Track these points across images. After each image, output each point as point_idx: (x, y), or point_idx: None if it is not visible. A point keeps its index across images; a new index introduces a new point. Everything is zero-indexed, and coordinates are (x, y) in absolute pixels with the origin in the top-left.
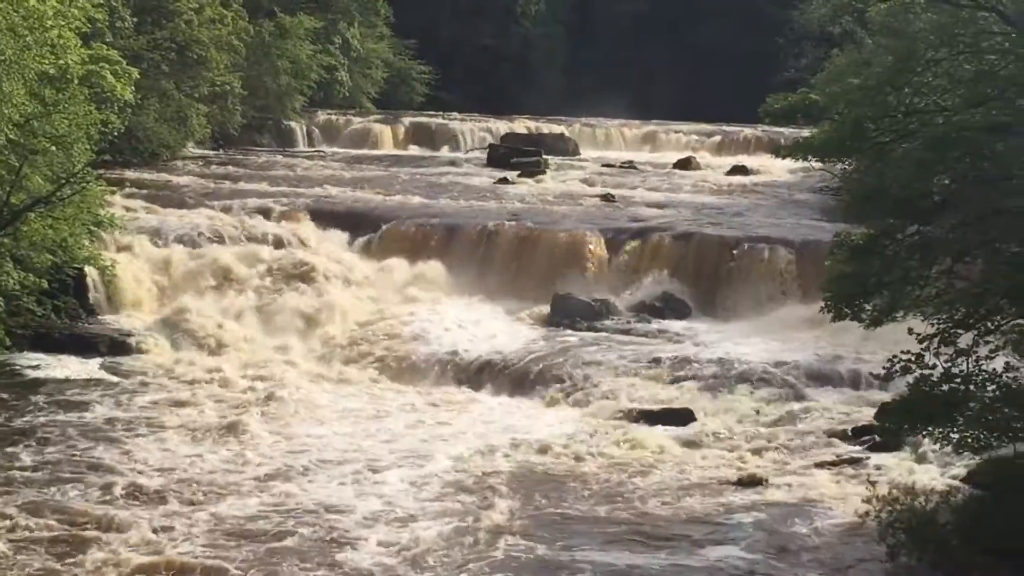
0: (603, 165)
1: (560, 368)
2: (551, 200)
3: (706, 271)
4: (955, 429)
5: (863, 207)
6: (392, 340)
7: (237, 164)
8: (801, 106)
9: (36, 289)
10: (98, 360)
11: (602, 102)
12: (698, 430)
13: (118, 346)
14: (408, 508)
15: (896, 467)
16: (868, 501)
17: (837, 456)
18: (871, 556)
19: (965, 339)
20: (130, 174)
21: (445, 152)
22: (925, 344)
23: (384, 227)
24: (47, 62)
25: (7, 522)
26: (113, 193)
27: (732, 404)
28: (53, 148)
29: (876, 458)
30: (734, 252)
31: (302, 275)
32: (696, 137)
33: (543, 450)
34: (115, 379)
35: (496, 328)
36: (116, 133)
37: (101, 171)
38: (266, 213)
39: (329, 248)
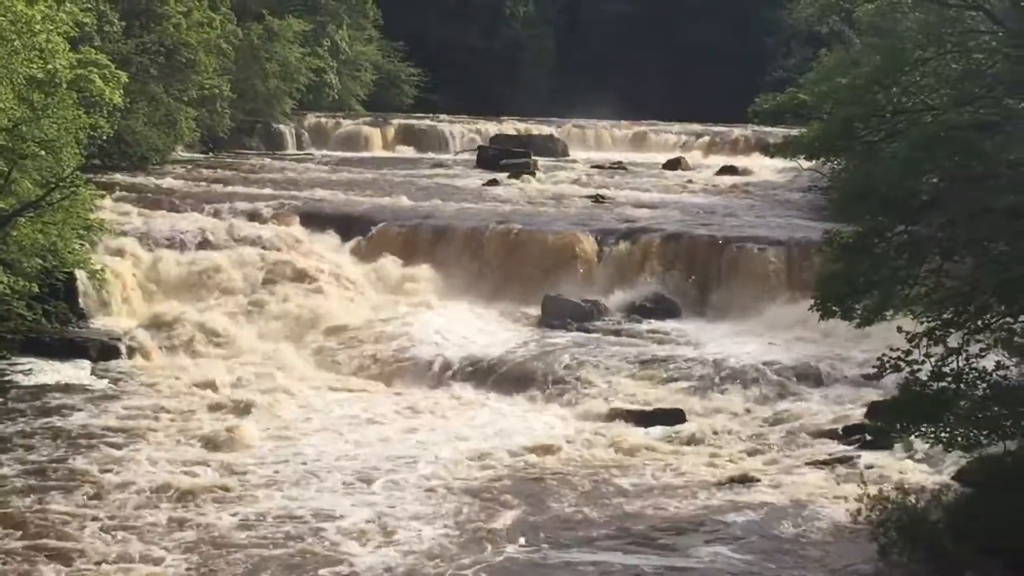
0: (592, 166)
1: (551, 369)
2: (541, 201)
3: (696, 271)
4: (945, 427)
5: (852, 206)
6: (383, 343)
7: (226, 167)
8: (790, 106)
9: (26, 294)
10: (88, 364)
11: (591, 103)
12: (689, 430)
13: (108, 350)
14: (400, 512)
15: (887, 466)
16: (859, 500)
17: (828, 455)
18: (862, 555)
19: (955, 338)
20: (119, 178)
21: (434, 154)
22: (915, 343)
23: (374, 229)
24: (35, 67)
25: None
26: (103, 197)
27: (723, 404)
28: (42, 153)
29: (867, 457)
30: (724, 252)
31: (292, 278)
32: (685, 137)
33: (534, 451)
34: (105, 384)
35: (487, 329)
36: (105, 137)
37: (90, 175)
38: (256, 216)
39: (320, 251)
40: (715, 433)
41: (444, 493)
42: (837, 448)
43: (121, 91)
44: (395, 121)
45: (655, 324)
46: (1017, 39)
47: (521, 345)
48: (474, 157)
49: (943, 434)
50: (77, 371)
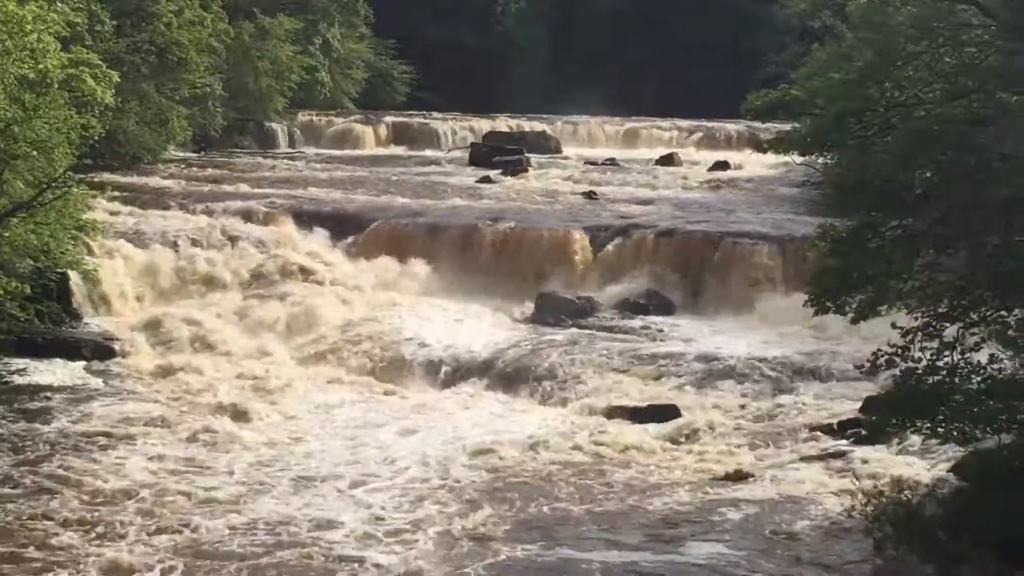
0: (585, 162)
1: (546, 366)
2: (534, 198)
3: (690, 267)
4: (940, 422)
5: (846, 201)
6: (377, 341)
7: (219, 166)
8: (782, 102)
9: (19, 294)
10: (82, 364)
11: (584, 99)
12: (683, 426)
13: (102, 350)
14: (396, 513)
15: (882, 460)
16: (854, 495)
17: (823, 450)
18: (857, 550)
19: (950, 332)
20: (112, 178)
21: (427, 151)
22: (909, 337)
23: (368, 228)
24: (27, 67)
25: None
26: (95, 197)
27: (717, 399)
28: (34, 153)
29: (862, 451)
30: (717, 248)
31: (286, 277)
32: (678, 133)
33: (529, 448)
34: (98, 384)
35: (481, 327)
36: (97, 137)
37: (83, 175)
38: (249, 215)
39: (313, 249)
40: (710, 429)
41: (439, 492)
42: (832, 443)
43: (113, 91)
44: (387, 119)
45: (649, 320)
46: (1009, 32)
47: (515, 342)
48: (467, 154)
49: (938, 428)
50: (71, 371)
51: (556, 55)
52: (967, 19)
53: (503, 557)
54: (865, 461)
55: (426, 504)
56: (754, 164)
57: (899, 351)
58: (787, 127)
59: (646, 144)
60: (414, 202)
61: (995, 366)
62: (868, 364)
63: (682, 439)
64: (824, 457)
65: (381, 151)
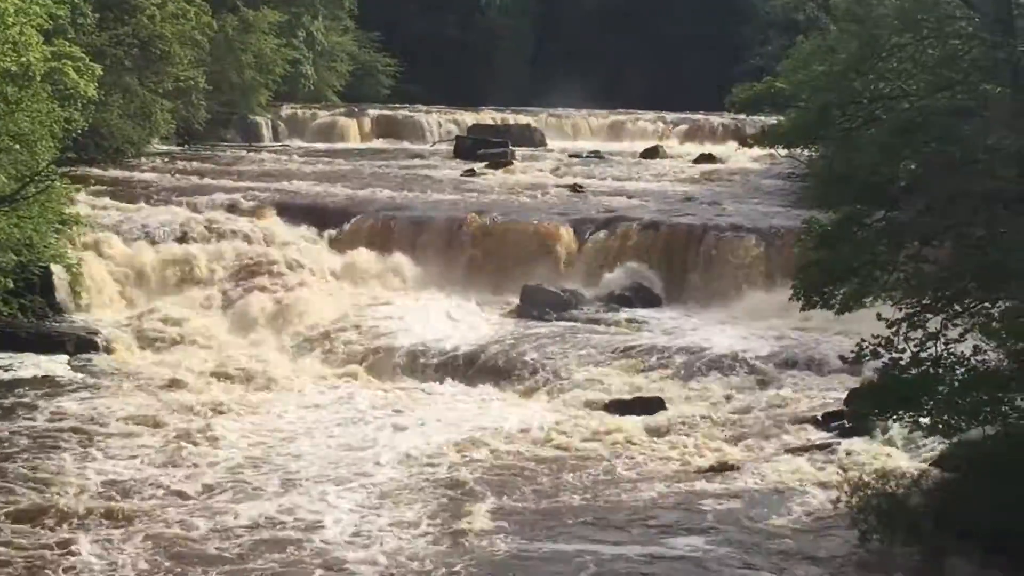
0: (570, 155)
1: (531, 359)
2: (519, 191)
3: (675, 260)
4: (924, 413)
5: (830, 193)
6: (362, 335)
7: (203, 160)
8: (767, 95)
9: (1, 289)
10: (65, 359)
11: (569, 92)
12: (669, 418)
13: (85, 344)
14: (382, 508)
15: (866, 452)
16: (839, 486)
17: (807, 442)
18: (843, 541)
19: (934, 323)
20: (95, 171)
21: (412, 144)
22: (894, 328)
23: (352, 221)
24: (9, 60)
25: None
26: (78, 191)
27: (702, 392)
28: (16, 146)
29: (846, 443)
30: (702, 240)
31: (270, 271)
32: (663, 126)
33: (515, 441)
34: (81, 378)
35: (466, 320)
36: (80, 130)
37: (66, 169)
38: (233, 209)
39: (297, 243)
40: (695, 421)
41: (425, 486)
42: (816, 435)
43: (95, 84)
44: (372, 112)
45: (634, 313)
46: (993, 25)
47: (500, 336)
48: (451, 147)
49: (922, 419)
50: (54, 365)
51: (540, 48)
52: (951, 11)
53: (489, 550)
54: (850, 453)
55: (411, 498)
56: (739, 156)
57: (883, 342)
58: (772, 120)
59: (631, 137)
60: (399, 195)
61: (979, 357)
62: (852, 355)
63: (667, 431)
64: (809, 449)
65: (365, 144)
